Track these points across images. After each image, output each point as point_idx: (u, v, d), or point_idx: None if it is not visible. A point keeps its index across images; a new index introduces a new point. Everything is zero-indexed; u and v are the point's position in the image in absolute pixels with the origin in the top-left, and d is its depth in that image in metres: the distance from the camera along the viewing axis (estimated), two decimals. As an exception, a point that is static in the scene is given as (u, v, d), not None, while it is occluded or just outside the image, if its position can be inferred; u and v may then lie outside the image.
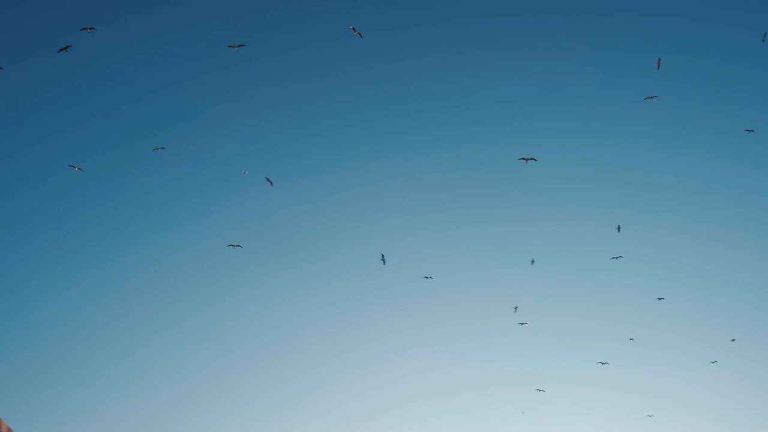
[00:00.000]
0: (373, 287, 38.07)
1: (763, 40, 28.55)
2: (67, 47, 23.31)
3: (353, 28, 24.85)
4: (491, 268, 38.89)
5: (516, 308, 32.05)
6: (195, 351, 37.80)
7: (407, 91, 40.77)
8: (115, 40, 38.81)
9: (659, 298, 33.20)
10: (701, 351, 35.93)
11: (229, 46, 25.09)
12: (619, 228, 31.08)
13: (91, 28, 24.19)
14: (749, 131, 30.97)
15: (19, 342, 37.12)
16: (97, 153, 38.24)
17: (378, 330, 38.33)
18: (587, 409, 36.32)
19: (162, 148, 27.96)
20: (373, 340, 38.26)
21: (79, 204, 39.09)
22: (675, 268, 38.32)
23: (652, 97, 28.69)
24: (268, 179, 28.49)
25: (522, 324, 30.96)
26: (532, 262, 31.90)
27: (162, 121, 39.60)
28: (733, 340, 34.34)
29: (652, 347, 36.12)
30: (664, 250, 38.47)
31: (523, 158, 25.85)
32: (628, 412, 35.58)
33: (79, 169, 27.29)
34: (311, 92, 40.61)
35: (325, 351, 37.68)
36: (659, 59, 28.50)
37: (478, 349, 37.58)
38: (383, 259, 28.71)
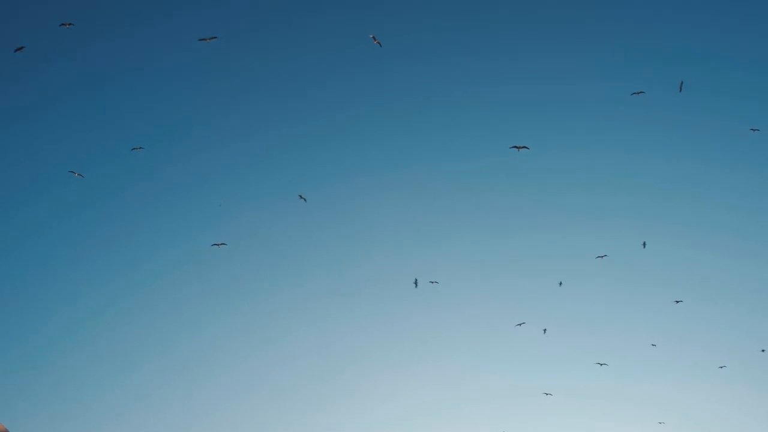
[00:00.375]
0: (380, 300, 37.81)
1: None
2: (22, 48, 23.21)
3: (373, 37, 24.60)
4: (498, 278, 38.56)
5: (545, 330, 31.69)
6: (205, 362, 37.55)
7: (414, 101, 40.70)
8: (124, 49, 39.10)
9: (677, 301, 32.37)
10: (712, 358, 35.28)
11: (200, 39, 24.74)
12: (644, 244, 30.56)
13: (69, 24, 24.15)
14: (754, 130, 30.28)
15: (25, 357, 37.10)
16: (102, 164, 38.40)
17: (382, 342, 38.04)
18: (598, 416, 35.65)
19: (141, 148, 27.74)
20: (378, 353, 37.93)
21: (89, 214, 39.17)
22: (689, 273, 37.96)
23: (638, 93, 28.27)
24: (301, 196, 28.66)
25: (519, 325, 30.39)
26: (560, 284, 31.45)
27: (167, 132, 39.76)
28: (763, 350, 33.46)
29: (663, 354, 35.36)
30: (676, 256, 38.00)
31: (515, 146, 25.14)
32: (639, 419, 34.86)
33: (79, 174, 27.16)
34: (316, 103, 40.65)
35: (333, 362, 37.34)
36: (681, 82, 28.09)
37: (484, 359, 37.17)
38: (416, 283, 28.79)
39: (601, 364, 30.96)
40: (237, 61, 39.79)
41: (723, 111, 39.45)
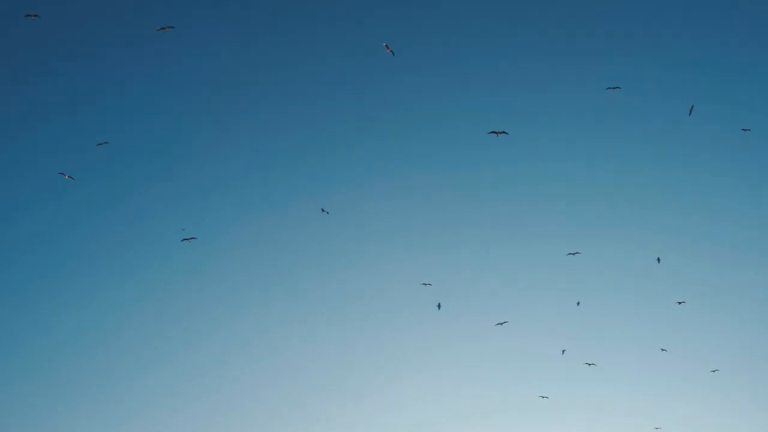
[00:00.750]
0: (381, 307, 37.84)
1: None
2: None
3: (386, 45, 24.29)
4: (497, 283, 38.52)
5: (563, 351, 31.37)
6: (208, 369, 37.58)
7: (421, 109, 40.86)
8: (131, 54, 39.43)
9: (679, 302, 31.56)
10: (707, 363, 34.84)
11: (158, 30, 24.37)
12: (659, 260, 30.31)
13: (35, 15, 23.90)
14: (745, 130, 29.80)
15: (27, 367, 37.12)
16: (105, 168, 38.64)
17: (381, 349, 38.04)
18: (595, 421, 35.23)
19: (105, 143, 27.58)
20: (377, 359, 37.94)
21: (90, 219, 39.45)
22: (686, 276, 37.55)
23: (614, 88, 27.72)
24: (323, 210, 28.80)
25: (501, 324, 29.84)
26: (578, 303, 31.34)
27: (170, 137, 40.02)
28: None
29: (662, 359, 34.80)
30: (675, 258, 37.56)
31: (494, 132, 24.68)
32: (636, 424, 34.35)
33: (69, 176, 27.00)
34: (321, 111, 40.88)
35: (335, 366, 37.26)
36: (692, 106, 27.77)
37: (483, 361, 37.24)
38: (439, 306, 29.19)
39: (590, 364, 30.52)
40: (241, 67, 40.19)
41: (717, 113, 39.38)
